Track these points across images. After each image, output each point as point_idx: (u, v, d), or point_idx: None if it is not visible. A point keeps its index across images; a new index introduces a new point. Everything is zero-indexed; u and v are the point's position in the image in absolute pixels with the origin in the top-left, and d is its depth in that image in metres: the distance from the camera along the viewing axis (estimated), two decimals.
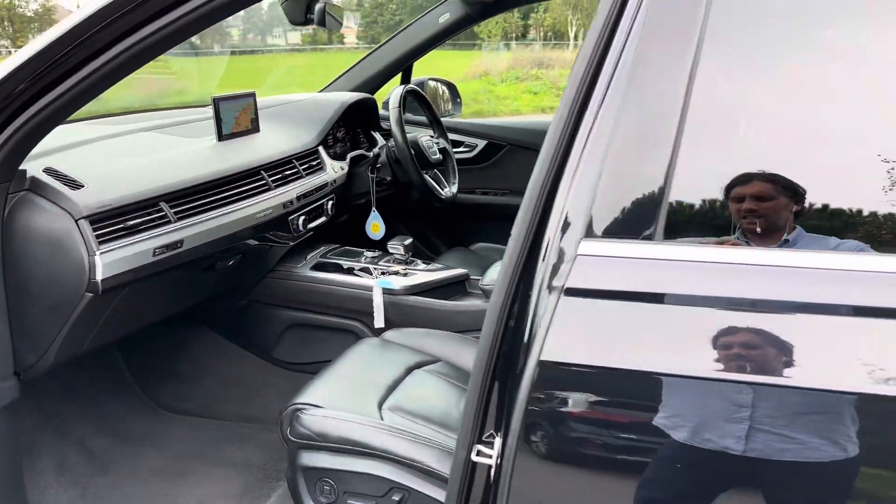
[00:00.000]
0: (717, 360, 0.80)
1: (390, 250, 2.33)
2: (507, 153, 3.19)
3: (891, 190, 0.78)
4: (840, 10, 0.85)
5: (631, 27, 0.89)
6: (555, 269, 0.88)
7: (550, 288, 0.88)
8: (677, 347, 0.84)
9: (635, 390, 0.85)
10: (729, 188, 0.84)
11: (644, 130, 0.88)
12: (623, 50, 0.89)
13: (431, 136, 2.73)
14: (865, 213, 0.80)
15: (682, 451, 0.83)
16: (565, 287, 0.86)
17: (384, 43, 3.08)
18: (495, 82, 17.31)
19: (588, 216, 0.88)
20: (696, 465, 0.83)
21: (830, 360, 0.78)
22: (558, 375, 0.87)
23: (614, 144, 0.88)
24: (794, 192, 0.82)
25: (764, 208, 0.83)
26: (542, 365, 0.86)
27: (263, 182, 2.11)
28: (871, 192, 0.79)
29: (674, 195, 0.85)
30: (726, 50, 0.88)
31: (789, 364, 0.79)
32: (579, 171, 0.90)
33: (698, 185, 0.86)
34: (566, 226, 0.89)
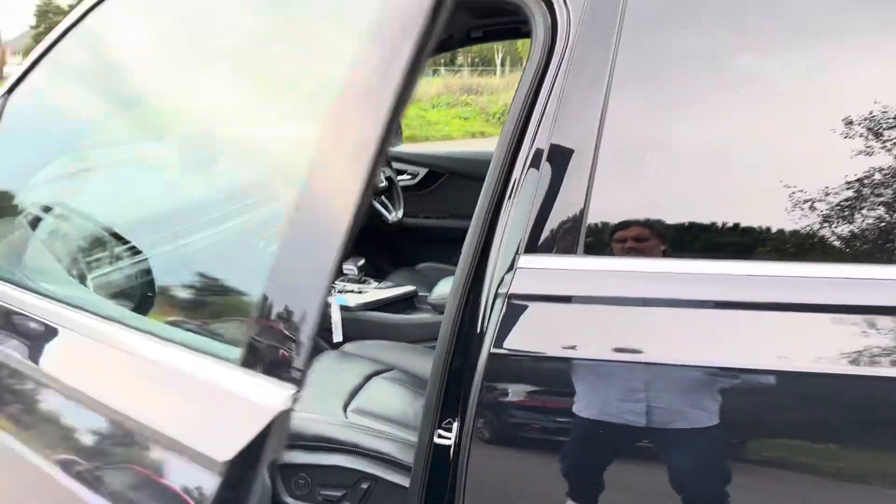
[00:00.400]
0: (619, 347, 1.04)
1: (345, 271, 2.52)
2: (447, 180, 3.45)
3: (767, 206, 1.02)
4: (722, 58, 1.08)
5: (556, 74, 1.11)
6: (500, 279, 1.10)
7: (497, 294, 1.10)
8: (591, 338, 1.07)
9: (562, 375, 1.07)
10: (612, 232, 1.07)
11: (566, 163, 1.09)
12: (550, 94, 1.11)
13: None
14: (749, 225, 1.04)
15: (594, 426, 1.04)
16: (509, 293, 1.08)
17: None
18: (426, 108, 17.63)
19: (525, 235, 1.10)
20: (605, 437, 1.05)
21: (703, 342, 1.02)
22: (504, 364, 1.09)
23: (543, 175, 1.10)
24: (662, 236, 1.06)
25: (641, 248, 1.06)
26: (492, 356, 1.08)
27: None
28: (748, 207, 1.03)
29: (591, 217, 1.06)
30: (632, 91, 1.10)
31: (673, 347, 1.02)
32: (515, 199, 1.12)
33: (611, 208, 1.08)
34: (508, 244, 1.11)
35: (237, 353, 1.07)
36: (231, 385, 1.06)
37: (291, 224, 1.04)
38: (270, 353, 1.04)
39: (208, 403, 1.11)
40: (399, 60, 0.93)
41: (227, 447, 1.04)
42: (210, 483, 1.04)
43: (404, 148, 3.60)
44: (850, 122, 0.98)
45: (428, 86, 22.35)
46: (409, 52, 0.92)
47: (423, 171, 3.48)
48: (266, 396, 1.01)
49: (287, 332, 1.01)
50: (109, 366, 1.31)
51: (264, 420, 1.00)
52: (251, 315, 1.07)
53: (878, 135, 0.97)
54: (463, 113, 17.16)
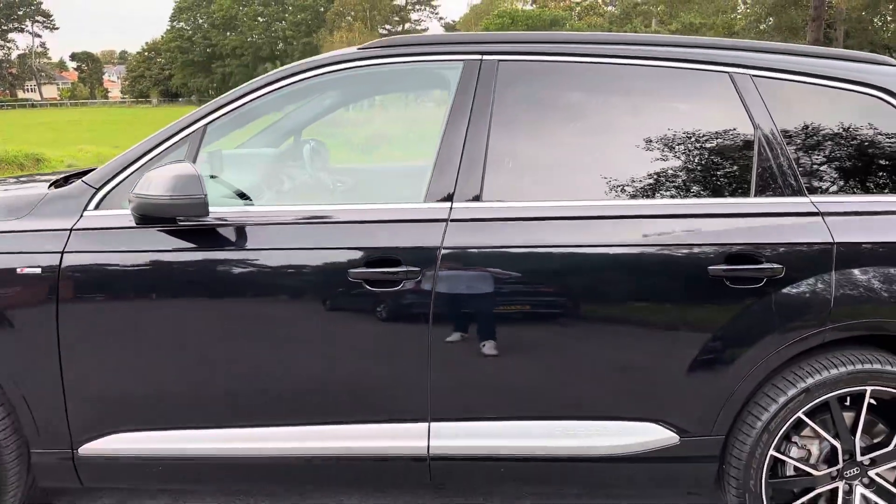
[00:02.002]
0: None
1: None
2: None
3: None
4: (540, 112, 2.47)
5: (475, 93, 2.35)
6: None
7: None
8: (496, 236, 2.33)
9: None
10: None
11: (473, 160, 2.26)
12: (468, 121, 2.34)
13: None
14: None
15: None
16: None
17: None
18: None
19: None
20: None
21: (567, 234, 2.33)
22: None
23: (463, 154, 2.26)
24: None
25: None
26: None
27: None
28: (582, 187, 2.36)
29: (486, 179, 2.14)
30: (505, 122, 2.33)
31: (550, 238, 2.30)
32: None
33: (498, 184, 2.15)
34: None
35: None
36: None
37: None
38: None
39: None
40: None
41: None
42: None
43: None
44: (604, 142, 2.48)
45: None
46: None
47: None
48: None
49: None
50: None
51: None
52: None
53: (632, 145, 2.40)
54: (330, 145, 17.81)
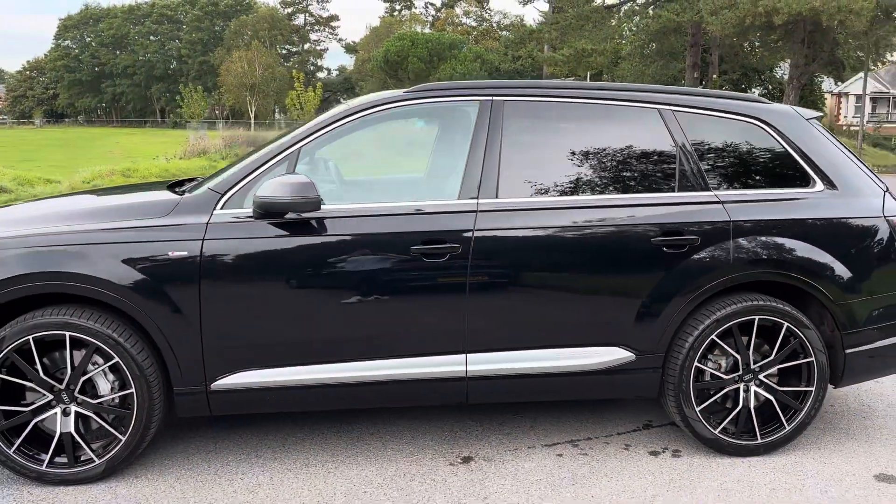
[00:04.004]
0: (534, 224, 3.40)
1: None
2: None
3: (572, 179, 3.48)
4: (535, 136, 3.58)
5: (490, 124, 3.38)
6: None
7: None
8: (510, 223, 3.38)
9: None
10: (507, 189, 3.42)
11: (491, 168, 3.31)
12: (486, 142, 3.39)
13: None
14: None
15: None
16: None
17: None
18: (217, 159, 18.47)
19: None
20: None
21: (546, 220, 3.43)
22: None
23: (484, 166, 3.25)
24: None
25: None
26: None
27: None
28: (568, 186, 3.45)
29: (501, 182, 3.11)
30: (510, 129, 3.39)
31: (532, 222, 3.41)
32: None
33: (509, 185, 3.12)
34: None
35: None
36: None
37: None
38: None
39: None
40: None
41: None
42: None
43: None
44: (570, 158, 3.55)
45: (215, 140, 23.29)
46: None
47: None
48: None
49: None
50: None
51: None
52: None
53: (598, 157, 3.55)
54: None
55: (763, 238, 3.42)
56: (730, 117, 3.59)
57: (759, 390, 3.50)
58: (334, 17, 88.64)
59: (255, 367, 3.23)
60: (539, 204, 3.37)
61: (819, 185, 3.55)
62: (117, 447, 3.19)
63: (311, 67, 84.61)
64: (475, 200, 3.32)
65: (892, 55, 44.88)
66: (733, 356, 3.48)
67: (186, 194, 3.39)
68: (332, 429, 3.78)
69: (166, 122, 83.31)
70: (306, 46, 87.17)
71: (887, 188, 3.65)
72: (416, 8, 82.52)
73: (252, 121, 60.12)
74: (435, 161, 4.02)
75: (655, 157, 3.53)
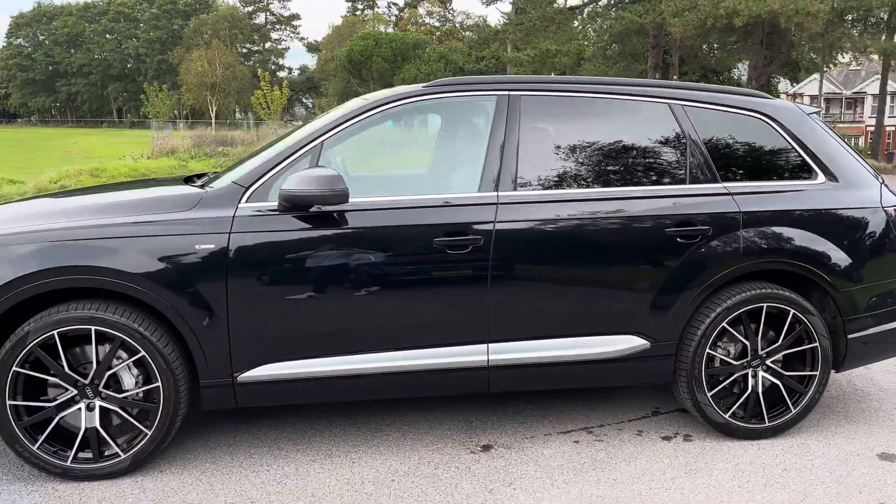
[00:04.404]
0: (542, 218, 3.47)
1: None
2: None
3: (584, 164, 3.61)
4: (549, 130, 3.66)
5: (507, 118, 3.47)
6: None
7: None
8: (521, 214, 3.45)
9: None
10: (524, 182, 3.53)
11: (510, 159, 3.41)
12: (507, 122, 3.50)
13: None
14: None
15: None
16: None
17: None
18: (186, 158, 18.39)
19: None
20: None
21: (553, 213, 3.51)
22: None
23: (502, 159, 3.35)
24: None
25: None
26: None
27: None
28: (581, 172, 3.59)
29: (519, 175, 3.14)
30: (527, 123, 3.48)
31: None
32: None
33: (527, 178, 3.23)
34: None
35: None
36: None
37: None
38: None
39: None
40: None
41: None
42: None
43: None
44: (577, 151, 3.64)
45: (183, 139, 23.19)
46: None
47: None
48: None
49: None
50: None
51: None
52: None
53: (611, 149, 3.66)
54: (221, 162, 18.42)
55: (771, 228, 3.55)
56: (736, 112, 3.72)
57: (767, 375, 3.63)
58: (296, 16, 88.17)
59: (282, 358, 3.25)
60: (555, 196, 3.45)
61: (821, 178, 3.70)
62: (143, 441, 3.18)
63: (272, 67, 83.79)
64: (495, 193, 3.39)
65: (842, 57, 46.22)
66: (742, 342, 3.60)
67: (209, 188, 3.39)
68: (349, 421, 3.81)
69: (123, 121, 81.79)
70: (267, 45, 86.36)
71: (883, 180, 3.82)
72: (378, 7, 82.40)
73: (213, 120, 59.37)
74: (448, 155, 4.05)
75: (667, 150, 3.63)
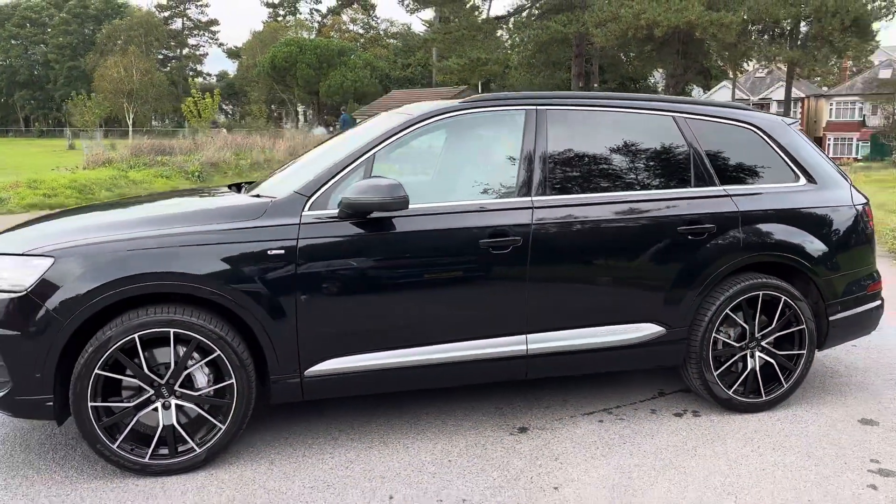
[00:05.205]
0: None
1: None
2: None
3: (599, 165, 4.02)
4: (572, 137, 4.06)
5: (536, 130, 3.85)
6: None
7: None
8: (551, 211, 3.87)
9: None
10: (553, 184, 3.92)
11: (542, 167, 3.82)
12: (536, 133, 3.88)
13: None
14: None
15: None
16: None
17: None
18: (125, 168, 18.14)
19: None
20: None
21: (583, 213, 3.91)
22: None
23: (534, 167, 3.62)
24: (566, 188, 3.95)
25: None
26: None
27: None
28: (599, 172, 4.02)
29: (549, 180, 3.69)
30: (553, 134, 3.90)
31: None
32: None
33: (555, 183, 3.70)
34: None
35: None
36: None
37: None
38: None
39: None
40: None
41: None
42: None
43: None
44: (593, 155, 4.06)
45: (122, 148, 22.76)
46: None
47: None
48: None
49: None
50: None
51: None
52: None
53: (628, 157, 4.11)
54: (163, 172, 18.28)
55: (765, 225, 4.04)
56: (730, 123, 4.21)
57: (762, 355, 4.11)
58: (214, 22, 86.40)
59: (345, 353, 3.51)
60: (582, 200, 3.84)
61: (802, 180, 4.23)
62: (217, 435, 3.39)
63: (190, 73, 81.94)
64: (530, 198, 3.75)
65: (748, 65, 48.73)
66: (742, 326, 4.08)
67: (265, 196, 3.65)
68: (390, 411, 4.10)
69: (32, 130, 78.27)
70: (185, 51, 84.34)
71: (851, 182, 4.39)
72: (301, 14, 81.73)
73: (130, 128, 57.62)
74: (486, 163, 4.33)
75: (674, 157, 4.09)
